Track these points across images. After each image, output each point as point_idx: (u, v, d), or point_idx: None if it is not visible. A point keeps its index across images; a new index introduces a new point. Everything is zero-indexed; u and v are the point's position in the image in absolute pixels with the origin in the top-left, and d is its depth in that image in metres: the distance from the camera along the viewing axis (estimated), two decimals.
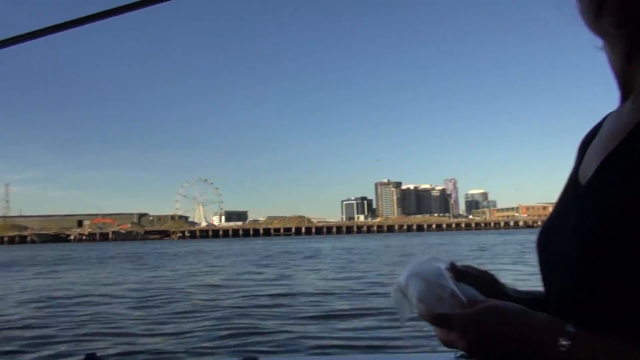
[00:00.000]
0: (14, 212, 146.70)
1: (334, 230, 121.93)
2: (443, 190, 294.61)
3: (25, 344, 7.12)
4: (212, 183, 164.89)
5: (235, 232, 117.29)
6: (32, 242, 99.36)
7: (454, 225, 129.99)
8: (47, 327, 8.36)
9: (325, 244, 50.39)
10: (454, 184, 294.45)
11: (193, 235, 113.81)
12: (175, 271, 20.65)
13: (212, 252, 39.88)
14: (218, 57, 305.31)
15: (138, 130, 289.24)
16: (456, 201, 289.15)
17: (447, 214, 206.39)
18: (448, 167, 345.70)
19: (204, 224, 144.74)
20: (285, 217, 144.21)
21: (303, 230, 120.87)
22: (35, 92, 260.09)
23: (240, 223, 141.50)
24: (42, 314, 9.89)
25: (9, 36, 2.65)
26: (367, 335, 6.99)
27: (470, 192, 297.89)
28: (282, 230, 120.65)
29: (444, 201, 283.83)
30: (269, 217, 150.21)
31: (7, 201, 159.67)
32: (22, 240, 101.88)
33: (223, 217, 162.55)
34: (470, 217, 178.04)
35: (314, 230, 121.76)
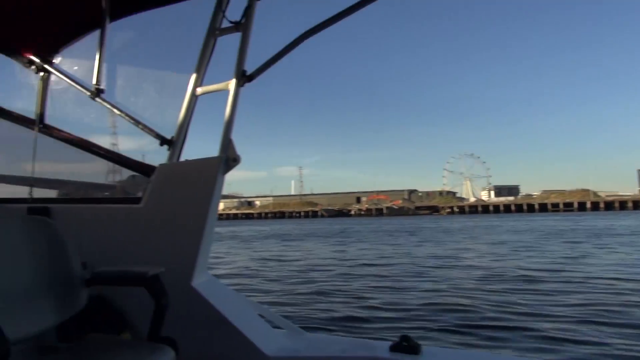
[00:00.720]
0: (306, 191, 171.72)
1: (629, 205, 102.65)
2: None
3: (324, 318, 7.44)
4: (479, 157, 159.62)
5: (507, 208, 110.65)
6: (322, 216, 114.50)
7: None
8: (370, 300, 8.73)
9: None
10: None
11: (462, 210, 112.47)
12: (476, 245, 20.19)
13: (492, 227, 38.12)
14: (482, 30, 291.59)
15: (402, 110, 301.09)
16: None
17: None
18: None
19: (472, 199, 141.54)
20: (564, 190, 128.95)
21: (588, 205, 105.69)
22: (309, 84, 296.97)
23: (511, 198, 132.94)
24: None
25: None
26: None
27: None
28: (561, 205, 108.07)
29: None
30: (544, 191, 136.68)
31: (301, 181, 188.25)
32: (314, 214, 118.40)
33: (492, 192, 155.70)
34: None
35: (602, 205, 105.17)
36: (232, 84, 2.37)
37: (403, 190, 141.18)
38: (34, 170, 2.89)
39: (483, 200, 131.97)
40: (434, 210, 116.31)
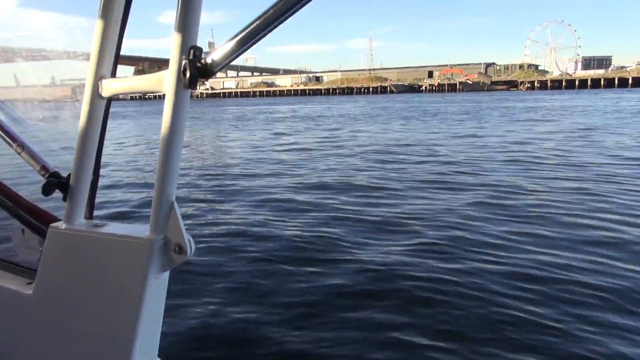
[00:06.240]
0: (376, 65, 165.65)
1: None
2: None
3: None
4: (569, 25, 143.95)
5: (596, 83, 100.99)
6: (391, 92, 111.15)
7: None
8: None
9: None
10: None
11: (543, 85, 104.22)
12: None
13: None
14: None
15: None
16: None
17: None
18: None
19: (556, 73, 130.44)
20: None
21: None
22: None
23: (601, 71, 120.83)
24: None
25: None
26: None
27: None
28: None
29: None
30: None
31: (371, 55, 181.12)
32: (383, 90, 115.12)
33: (579, 65, 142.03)
34: None
35: None
36: None
37: (479, 64, 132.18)
38: None
39: (568, 75, 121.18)
40: (511, 85, 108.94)
